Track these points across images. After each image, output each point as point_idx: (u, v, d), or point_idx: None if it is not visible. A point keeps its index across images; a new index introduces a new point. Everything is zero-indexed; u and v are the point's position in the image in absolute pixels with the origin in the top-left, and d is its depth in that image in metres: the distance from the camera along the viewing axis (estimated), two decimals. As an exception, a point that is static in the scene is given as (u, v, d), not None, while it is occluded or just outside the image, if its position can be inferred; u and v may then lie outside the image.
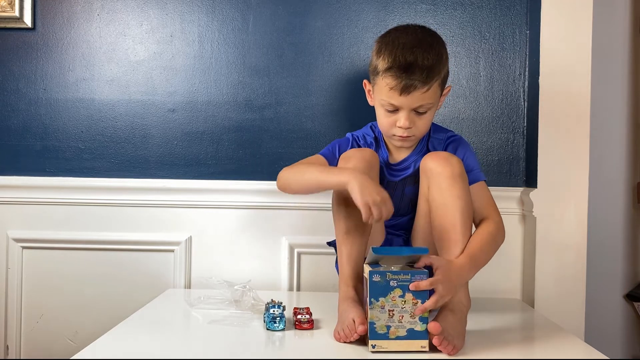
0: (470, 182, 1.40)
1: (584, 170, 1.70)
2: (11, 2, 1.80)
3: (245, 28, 1.82)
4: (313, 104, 1.81)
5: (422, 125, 1.40)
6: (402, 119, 1.37)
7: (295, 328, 1.35)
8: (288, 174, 1.43)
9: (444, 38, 1.78)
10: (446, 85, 1.44)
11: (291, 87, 1.81)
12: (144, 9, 1.83)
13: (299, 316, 1.36)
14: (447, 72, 1.42)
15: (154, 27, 1.83)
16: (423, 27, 1.43)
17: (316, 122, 1.81)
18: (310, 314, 1.37)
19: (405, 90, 1.33)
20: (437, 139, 1.49)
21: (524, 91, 1.80)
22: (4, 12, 1.81)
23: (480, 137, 1.80)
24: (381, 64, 1.36)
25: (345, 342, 1.24)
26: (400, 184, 1.48)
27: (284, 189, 1.44)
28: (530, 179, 1.76)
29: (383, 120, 1.41)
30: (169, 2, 1.83)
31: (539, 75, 1.72)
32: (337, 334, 1.26)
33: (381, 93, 1.38)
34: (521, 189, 1.79)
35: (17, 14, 1.81)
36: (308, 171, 1.39)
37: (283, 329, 1.34)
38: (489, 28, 1.80)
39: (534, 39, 1.75)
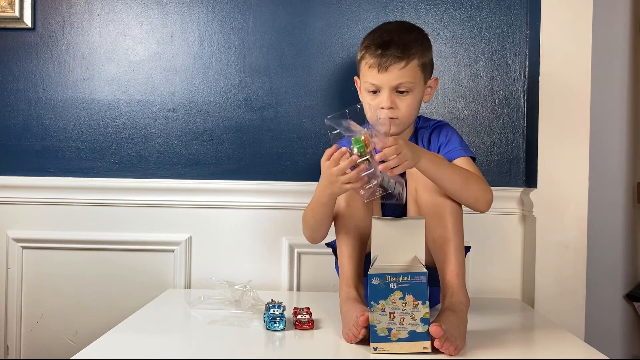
0: (452, 159, 1.42)
1: (584, 170, 1.70)
2: (11, 2, 1.80)
3: (245, 28, 1.82)
4: (313, 104, 1.81)
5: (404, 108, 1.41)
6: (384, 99, 1.40)
7: (295, 328, 1.35)
8: (303, 223, 1.47)
9: (443, 38, 1.80)
10: (432, 77, 1.47)
11: (291, 87, 1.81)
12: (144, 9, 1.83)
13: (299, 316, 1.36)
14: (430, 62, 1.45)
15: (154, 27, 1.83)
16: (409, 22, 1.49)
17: (316, 122, 1.81)
18: (310, 314, 1.37)
19: (382, 66, 1.37)
20: (423, 128, 1.51)
21: (524, 91, 1.80)
22: (4, 12, 1.81)
23: (480, 137, 1.80)
24: (361, 48, 1.43)
25: (357, 343, 1.23)
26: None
27: (309, 237, 1.48)
28: (530, 179, 1.76)
29: (369, 104, 1.44)
30: (169, 2, 1.83)
31: (539, 75, 1.72)
32: (345, 335, 1.25)
33: (364, 76, 1.42)
34: (521, 189, 1.79)
35: (17, 14, 1.81)
36: (307, 208, 1.44)
37: (283, 329, 1.34)
38: (489, 28, 1.80)
39: (534, 39, 1.75)
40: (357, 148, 1.23)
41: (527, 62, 1.79)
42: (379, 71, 1.38)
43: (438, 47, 1.80)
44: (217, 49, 1.82)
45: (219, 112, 1.82)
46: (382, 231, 1.26)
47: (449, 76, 1.80)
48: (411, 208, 1.43)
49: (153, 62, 1.83)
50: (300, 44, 1.81)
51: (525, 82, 1.80)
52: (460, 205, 1.37)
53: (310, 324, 1.35)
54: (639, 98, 1.98)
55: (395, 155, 1.21)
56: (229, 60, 1.82)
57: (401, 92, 1.40)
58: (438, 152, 1.45)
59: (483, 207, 1.37)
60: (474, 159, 1.46)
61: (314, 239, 1.48)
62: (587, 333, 1.70)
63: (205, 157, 1.82)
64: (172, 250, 1.81)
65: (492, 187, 1.77)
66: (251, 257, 1.80)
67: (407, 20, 1.52)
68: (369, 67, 1.39)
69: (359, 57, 1.44)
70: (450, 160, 1.41)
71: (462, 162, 1.42)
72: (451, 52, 1.80)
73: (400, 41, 1.38)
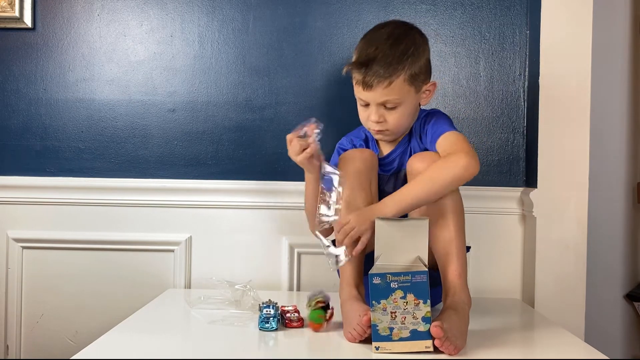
0: (437, 137, 1.38)
1: (584, 170, 1.70)
2: (11, 2, 1.80)
3: (245, 28, 1.82)
4: (313, 104, 1.81)
5: (393, 121, 1.41)
6: (371, 113, 1.41)
7: (286, 327, 1.35)
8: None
9: (443, 38, 1.80)
10: (428, 81, 1.43)
11: (291, 87, 1.81)
12: (144, 9, 1.83)
13: (287, 315, 1.37)
14: (422, 69, 1.40)
15: (154, 27, 1.83)
16: (402, 24, 1.44)
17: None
18: (298, 312, 1.38)
19: (366, 85, 1.37)
20: (418, 118, 1.48)
21: (524, 91, 1.80)
22: (4, 12, 1.81)
23: (480, 137, 1.80)
24: (352, 59, 1.41)
25: (360, 341, 1.23)
26: (392, 178, 1.48)
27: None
28: (530, 179, 1.76)
29: (360, 114, 1.45)
30: (169, 2, 1.83)
31: (539, 75, 1.72)
32: (348, 334, 1.25)
33: (354, 88, 1.42)
34: (521, 189, 1.79)
35: (17, 14, 1.81)
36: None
37: (275, 329, 1.33)
38: (489, 28, 1.80)
39: (534, 39, 1.75)
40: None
41: (527, 62, 1.79)
42: (364, 89, 1.38)
43: (438, 47, 1.80)
44: (217, 49, 1.82)
45: (219, 112, 1.82)
46: (385, 231, 1.26)
47: (449, 76, 1.80)
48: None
49: (153, 62, 1.83)
50: (300, 44, 1.81)
51: (525, 82, 1.80)
52: (461, 204, 1.37)
53: (300, 322, 1.36)
54: (639, 98, 1.98)
55: (345, 236, 1.29)
56: (229, 60, 1.82)
57: (389, 108, 1.39)
58: (426, 136, 1.44)
59: (465, 176, 1.30)
60: None
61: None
62: (587, 333, 1.70)
63: (205, 157, 1.82)
64: (172, 250, 1.81)
65: (492, 187, 1.79)
66: (251, 257, 1.80)
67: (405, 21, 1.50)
68: (356, 82, 1.40)
69: (349, 68, 1.41)
70: (436, 137, 1.39)
71: (444, 137, 1.38)
72: (451, 52, 1.80)
73: (384, 59, 1.35)
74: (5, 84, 1.84)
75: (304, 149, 1.35)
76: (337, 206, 1.32)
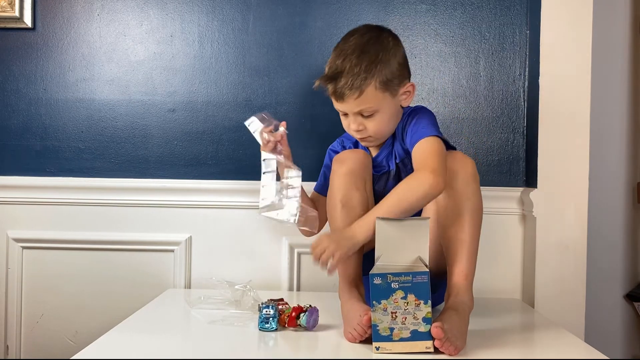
0: (415, 141, 1.37)
1: (584, 170, 1.70)
2: (11, 2, 1.80)
3: (245, 28, 1.82)
4: (313, 104, 1.81)
5: (372, 128, 1.41)
6: (351, 122, 1.41)
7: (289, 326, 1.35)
8: None
9: (443, 38, 1.80)
10: (406, 83, 1.42)
11: (291, 87, 1.81)
12: (144, 9, 1.83)
13: (286, 311, 1.36)
14: (395, 73, 1.38)
15: (154, 27, 1.83)
16: (371, 29, 1.42)
17: (316, 122, 1.81)
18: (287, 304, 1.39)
19: (338, 97, 1.38)
20: (402, 118, 1.46)
21: (524, 91, 1.80)
22: (4, 12, 1.81)
23: (480, 137, 1.80)
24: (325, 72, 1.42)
25: (360, 342, 1.23)
26: (383, 177, 1.48)
27: None
28: (530, 179, 1.76)
29: (342, 123, 1.46)
30: (169, 2, 1.83)
31: (539, 75, 1.72)
32: (349, 334, 1.25)
33: (331, 99, 1.42)
34: (521, 189, 1.79)
35: (17, 14, 1.81)
36: None
37: (275, 329, 1.33)
38: (489, 28, 1.80)
39: (534, 39, 1.75)
40: None
41: (527, 62, 1.79)
42: (337, 100, 1.39)
43: (438, 47, 1.80)
44: (217, 49, 1.82)
45: (219, 112, 1.82)
46: (386, 231, 1.26)
47: (449, 76, 1.80)
48: (429, 206, 1.42)
49: (153, 62, 1.83)
50: (300, 44, 1.81)
51: (525, 82, 1.80)
52: (481, 208, 1.36)
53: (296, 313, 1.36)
54: (639, 98, 1.98)
55: (321, 255, 1.26)
56: (229, 60, 1.82)
57: (366, 116, 1.39)
58: (407, 137, 1.42)
59: (432, 195, 1.30)
60: (446, 142, 1.41)
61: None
62: (587, 333, 1.70)
63: (206, 157, 1.82)
64: (172, 250, 1.81)
65: (492, 187, 1.79)
66: (251, 257, 1.80)
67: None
68: (330, 94, 1.40)
69: (319, 82, 1.40)
70: (415, 141, 1.37)
71: (419, 146, 1.36)
72: (451, 52, 1.80)
73: (351, 70, 1.34)
74: (5, 84, 1.84)
75: (268, 142, 1.43)
76: (277, 193, 1.42)
